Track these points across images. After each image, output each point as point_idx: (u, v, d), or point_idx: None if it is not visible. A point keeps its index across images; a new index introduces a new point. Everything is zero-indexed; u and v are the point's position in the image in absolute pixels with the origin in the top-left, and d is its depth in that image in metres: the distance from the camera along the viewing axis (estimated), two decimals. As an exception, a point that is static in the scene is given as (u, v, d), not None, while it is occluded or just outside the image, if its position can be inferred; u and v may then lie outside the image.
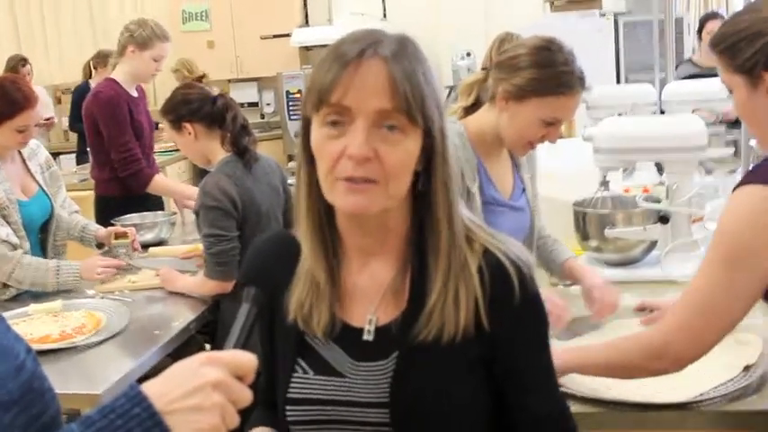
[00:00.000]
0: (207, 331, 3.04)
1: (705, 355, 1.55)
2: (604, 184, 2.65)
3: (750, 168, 1.55)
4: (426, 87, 1.20)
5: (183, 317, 2.76)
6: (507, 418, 1.31)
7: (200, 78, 7.28)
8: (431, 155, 1.23)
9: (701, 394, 1.73)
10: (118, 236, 3.30)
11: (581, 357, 1.66)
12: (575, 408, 1.35)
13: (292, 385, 1.31)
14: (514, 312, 1.26)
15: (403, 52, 1.20)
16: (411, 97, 1.17)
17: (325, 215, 1.27)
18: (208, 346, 3.18)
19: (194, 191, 3.90)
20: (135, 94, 4.00)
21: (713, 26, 5.53)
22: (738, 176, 3.34)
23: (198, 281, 2.92)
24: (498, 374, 1.28)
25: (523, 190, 2.30)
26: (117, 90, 3.87)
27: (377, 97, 1.16)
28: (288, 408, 1.30)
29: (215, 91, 3.16)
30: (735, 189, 1.50)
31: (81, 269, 3.02)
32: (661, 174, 3.42)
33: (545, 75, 2.03)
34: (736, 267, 1.46)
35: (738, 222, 1.47)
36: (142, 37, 3.86)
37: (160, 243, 3.63)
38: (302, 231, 1.30)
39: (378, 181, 1.18)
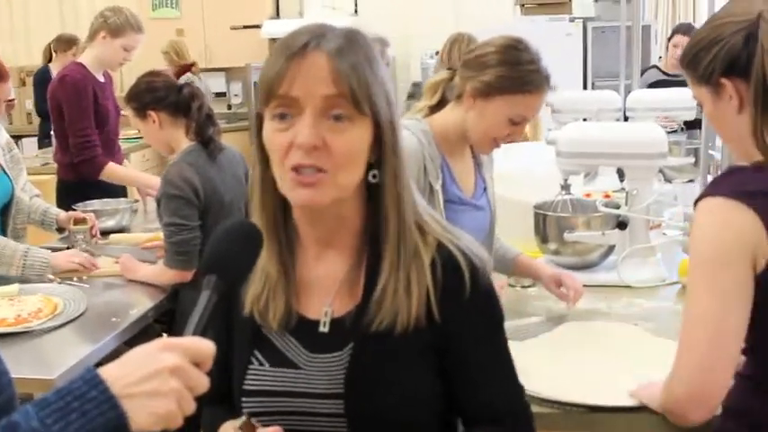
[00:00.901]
0: (164, 320, 3.03)
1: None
2: (565, 187, 2.68)
3: (711, 181, 1.57)
4: (373, 79, 1.22)
5: (141, 305, 2.75)
6: (460, 411, 1.34)
7: (189, 66, 7.21)
8: (381, 146, 1.25)
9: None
10: (77, 221, 3.27)
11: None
12: (527, 407, 1.38)
13: (248, 377, 1.32)
14: (465, 305, 1.28)
15: (348, 45, 1.22)
16: (356, 85, 1.19)
17: (280, 209, 1.29)
18: (165, 335, 3.17)
19: (149, 179, 3.91)
20: (102, 79, 3.97)
21: (679, 40, 5.58)
22: (697, 185, 3.40)
23: (157, 269, 2.91)
24: (449, 366, 1.30)
25: (485, 189, 2.32)
26: (83, 74, 3.85)
27: (321, 85, 1.18)
28: (244, 399, 1.32)
29: (195, 79, 3.15)
30: (696, 202, 1.51)
31: (51, 261, 2.93)
32: (622, 180, 3.46)
33: (512, 73, 2.05)
34: (717, 282, 1.45)
35: (705, 236, 1.48)
36: (116, 24, 3.84)
37: (121, 230, 3.61)
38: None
39: (327, 170, 1.20)
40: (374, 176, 1.26)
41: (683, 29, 5.74)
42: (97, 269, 3.02)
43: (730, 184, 1.49)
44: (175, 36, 7.89)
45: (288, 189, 1.23)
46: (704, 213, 1.49)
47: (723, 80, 1.51)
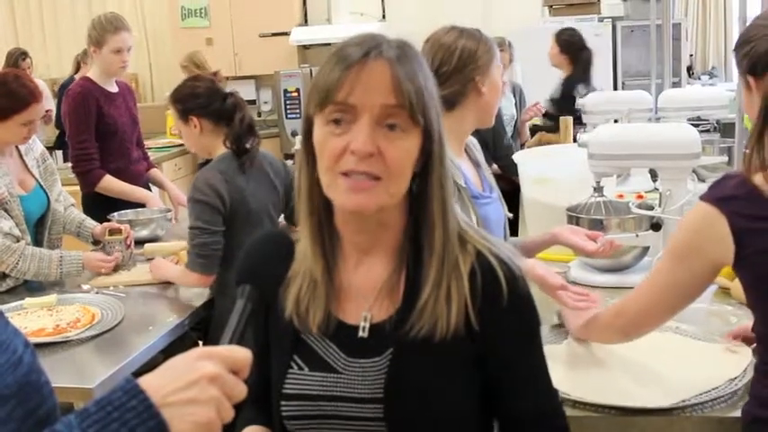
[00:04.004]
0: (200, 328, 3.05)
1: (648, 331, 1.82)
2: (598, 189, 2.67)
3: (712, 183, 1.68)
4: (426, 90, 1.25)
5: (177, 313, 2.78)
6: (498, 415, 1.35)
7: (213, 75, 7.23)
8: (428, 156, 1.27)
9: (683, 401, 1.75)
10: (112, 232, 3.31)
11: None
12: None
13: (287, 381, 1.33)
14: (504, 313, 1.30)
15: (404, 56, 1.25)
16: (414, 96, 1.22)
17: (324, 213, 1.31)
18: (201, 343, 3.19)
19: (146, 194, 3.96)
20: (113, 89, 4.05)
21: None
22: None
23: (180, 271, 2.95)
24: (488, 372, 1.31)
25: (491, 186, 2.38)
26: (88, 87, 3.94)
27: (381, 94, 1.20)
28: (283, 403, 1.33)
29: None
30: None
31: (83, 259, 3.06)
32: (655, 180, 3.44)
33: (482, 40, 2.27)
34: (676, 262, 1.68)
35: (685, 228, 1.69)
36: (95, 36, 3.96)
37: (155, 239, 3.64)
38: (302, 229, 1.33)
39: (381, 178, 1.22)
40: (417, 186, 1.28)
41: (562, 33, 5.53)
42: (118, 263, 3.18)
43: (715, 190, 1.63)
44: (205, 45, 7.95)
45: (337, 193, 1.24)
46: (691, 211, 1.70)
47: (749, 77, 1.65)
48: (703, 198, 1.63)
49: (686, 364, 1.91)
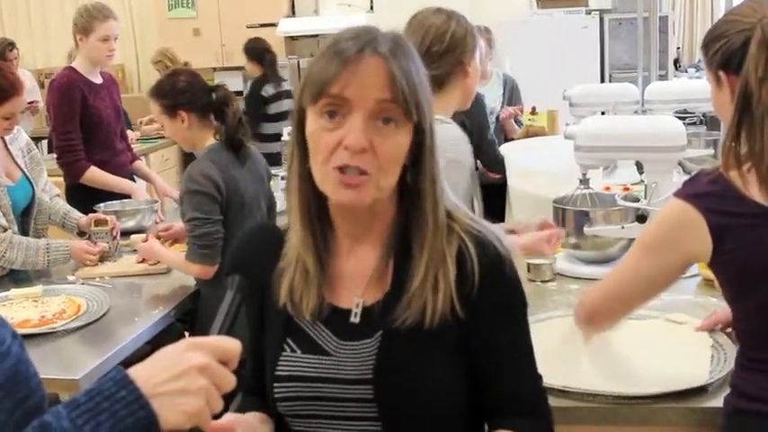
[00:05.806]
0: (186, 319, 3.05)
1: (611, 322, 1.82)
2: (584, 181, 2.68)
3: (685, 180, 1.70)
4: (420, 84, 1.27)
5: (163, 304, 2.78)
6: (484, 398, 1.36)
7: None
8: (420, 149, 1.29)
9: (670, 390, 1.76)
10: (98, 222, 3.30)
11: None
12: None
13: (280, 363, 1.36)
14: (490, 294, 1.32)
15: (398, 50, 1.26)
16: (407, 91, 1.23)
17: (315, 203, 1.33)
18: (187, 334, 3.19)
19: (132, 185, 3.96)
20: (98, 80, 4.02)
21: None
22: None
23: (180, 261, 2.93)
24: (474, 355, 1.33)
25: None
26: (71, 78, 3.91)
27: (377, 89, 1.22)
28: (276, 385, 1.36)
29: None
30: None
31: (70, 248, 3.05)
32: (641, 173, 3.45)
33: (468, 26, 2.36)
34: (646, 256, 1.70)
35: (660, 223, 1.71)
36: (83, 23, 3.94)
37: (141, 231, 3.62)
38: (293, 219, 1.35)
39: (370, 173, 1.23)
40: (410, 179, 1.30)
41: None
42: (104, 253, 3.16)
43: (689, 186, 1.65)
44: (192, 36, 7.92)
45: (330, 188, 1.26)
46: (665, 207, 1.73)
47: (720, 72, 1.65)
48: (678, 194, 1.65)
49: (665, 353, 1.93)
